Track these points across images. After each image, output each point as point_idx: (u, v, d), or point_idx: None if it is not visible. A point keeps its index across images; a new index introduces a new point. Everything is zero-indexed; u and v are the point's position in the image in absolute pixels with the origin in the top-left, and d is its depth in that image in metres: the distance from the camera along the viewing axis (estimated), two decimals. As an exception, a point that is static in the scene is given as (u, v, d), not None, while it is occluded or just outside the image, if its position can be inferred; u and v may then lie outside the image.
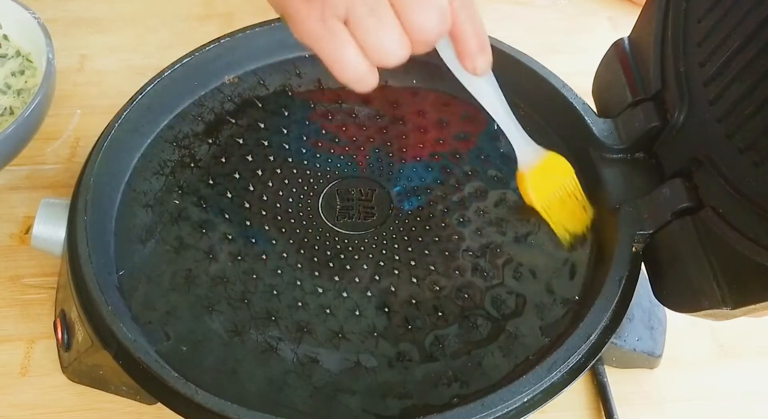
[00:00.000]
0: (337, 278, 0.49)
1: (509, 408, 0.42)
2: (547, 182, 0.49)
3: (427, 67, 0.60)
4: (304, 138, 0.56)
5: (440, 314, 0.47)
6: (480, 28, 0.41)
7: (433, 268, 0.49)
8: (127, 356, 0.43)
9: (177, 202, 0.52)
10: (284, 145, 0.55)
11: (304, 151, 0.55)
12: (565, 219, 0.49)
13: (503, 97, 0.47)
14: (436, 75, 0.60)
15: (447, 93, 0.59)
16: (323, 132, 0.56)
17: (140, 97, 0.53)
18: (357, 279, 0.49)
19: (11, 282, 0.55)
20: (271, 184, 0.53)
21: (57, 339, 0.49)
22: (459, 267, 0.49)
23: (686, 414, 0.51)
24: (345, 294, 0.48)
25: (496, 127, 0.52)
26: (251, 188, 0.53)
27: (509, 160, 0.55)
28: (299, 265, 0.49)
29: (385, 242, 0.50)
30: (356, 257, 0.50)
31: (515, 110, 0.57)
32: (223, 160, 0.54)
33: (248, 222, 0.51)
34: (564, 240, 0.50)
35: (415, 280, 0.49)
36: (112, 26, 0.74)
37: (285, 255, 0.49)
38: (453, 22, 0.39)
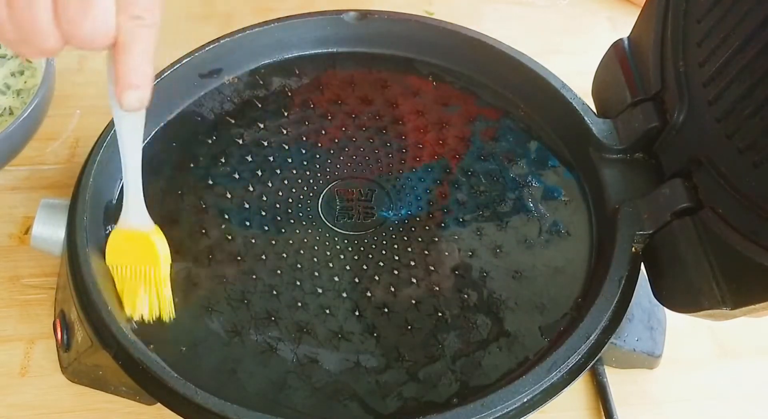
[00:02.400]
0: (336, 278, 0.49)
1: (509, 408, 0.42)
2: (128, 249, 0.46)
3: (428, 66, 0.61)
4: (304, 138, 0.56)
5: (440, 314, 0.47)
6: (143, 61, 0.36)
7: (432, 269, 0.49)
8: (127, 356, 0.43)
9: (177, 202, 0.52)
10: (284, 145, 0.55)
11: (304, 151, 0.55)
12: (127, 293, 0.46)
13: (140, 146, 0.42)
14: (436, 75, 0.60)
15: (447, 93, 0.59)
16: (323, 132, 0.56)
17: (140, 97, 0.53)
18: (357, 280, 0.49)
19: (11, 283, 0.55)
20: (271, 184, 0.53)
21: (56, 340, 0.49)
22: (458, 267, 0.49)
23: (686, 414, 0.51)
24: (345, 295, 0.48)
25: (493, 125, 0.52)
26: (251, 188, 0.53)
27: (509, 160, 0.55)
28: (299, 265, 0.49)
29: (384, 242, 0.50)
30: (356, 257, 0.50)
31: (515, 110, 0.58)
32: (223, 160, 0.54)
33: (248, 223, 0.51)
34: (126, 309, 0.46)
35: (414, 281, 0.49)
36: (111, 26, 0.74)
37: (285, 255, 0.49)
38: (117, 42, 0.35)
